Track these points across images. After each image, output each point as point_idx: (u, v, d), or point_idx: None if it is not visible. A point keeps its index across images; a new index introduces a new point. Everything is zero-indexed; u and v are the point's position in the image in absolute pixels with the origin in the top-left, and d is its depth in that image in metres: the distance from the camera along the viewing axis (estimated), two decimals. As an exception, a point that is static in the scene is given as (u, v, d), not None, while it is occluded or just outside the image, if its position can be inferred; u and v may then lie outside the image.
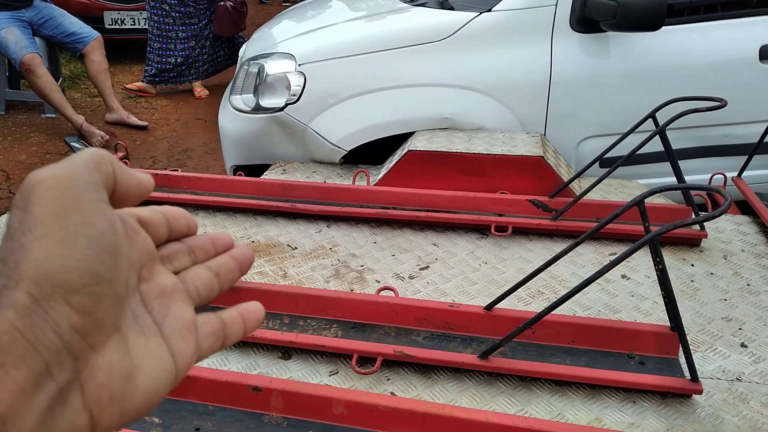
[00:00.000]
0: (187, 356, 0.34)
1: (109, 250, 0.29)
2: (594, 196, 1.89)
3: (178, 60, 4.78)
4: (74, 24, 4.06)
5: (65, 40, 4.04)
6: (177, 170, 2.14)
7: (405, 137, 2.19)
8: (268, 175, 2.26)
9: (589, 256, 1.62)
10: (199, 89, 5.09)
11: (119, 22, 5.73)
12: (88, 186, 0.30)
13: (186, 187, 2.01)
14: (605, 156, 1.80)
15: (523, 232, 1.71)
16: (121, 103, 4.41)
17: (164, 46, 4.73)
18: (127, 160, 2.26)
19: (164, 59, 4.78)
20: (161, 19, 4.65)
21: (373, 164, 2.34)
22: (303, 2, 3.29)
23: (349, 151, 2.24)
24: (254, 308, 0.40)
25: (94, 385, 0.29)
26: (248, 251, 0.42)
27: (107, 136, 3.96)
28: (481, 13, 2.11)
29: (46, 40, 4.10)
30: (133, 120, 4.30)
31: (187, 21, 4.68)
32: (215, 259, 0.40)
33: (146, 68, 4.88)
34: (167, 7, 4.60)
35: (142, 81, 4.99)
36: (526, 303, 1.42)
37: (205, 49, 4.86)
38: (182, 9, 4.62)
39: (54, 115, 4.24)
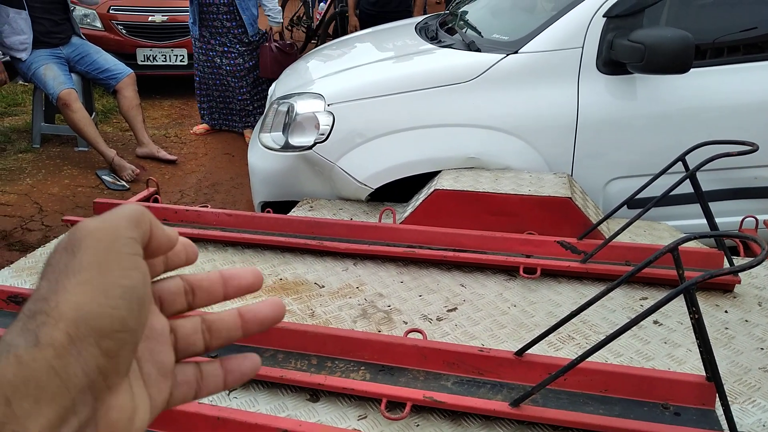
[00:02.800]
0: (158, 402, 0.36)
1: (138, 302, 0.32)
2: (623, 238, 1.87)
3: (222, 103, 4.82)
4: (108, 60, 4.20)
5: (100, 76, 4.17)
6: (207, 206, 2.17)
7: (431, 176, 2.20)
8: (295, 212, 2.28)
9: (620, 301, 1.60)
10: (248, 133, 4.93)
11: (151, 58, 5.90)
12: (128, 241, 0.33)
13: (215, 223, 2.04)
14: (635, 198, 1.79)
15: (551, 274, 1.70)
16: (150, 138, 4.51)
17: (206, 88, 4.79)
18: (158, 195, 2.31)
19: (210, 102, 4.84)
20: (206, 59, 4.67)
21: (399, 202, 2.36)
22: (330, 42, 3.37)
23: (376, 189, 2.26)
24: (243, 364, 0.40)
25: (106, 423, 0.31)
26: (264, 308, 0.40)
27: (137, 170, 4.05)
28: (508, 54, 2.14)
29: (81, 76, 4.24)
30: (163, 154, 4.39)
31: (232, 62, 4.64)
32: (215, 314, 0.40)
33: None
34: (212, 49, 4.62)
35: (203, 121, 5.03)
36: (557, 348, 1.40)
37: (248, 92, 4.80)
38: (225, 49, 4.59)
39: (86, 149, 4.35)
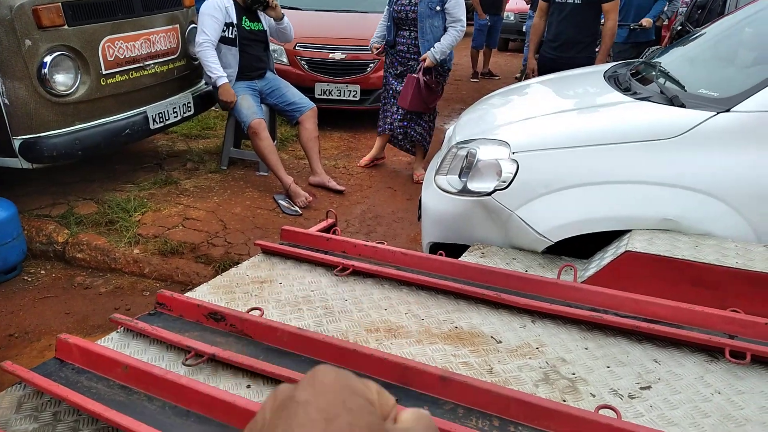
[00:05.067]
0: None
1: None
2: None
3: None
4: (295, 95, 4.54)
5: (286, 108, 4.51)
6: (383, 243, 2.23)
7: (616, 235, 2.08)
8: (466, 258, 2.27)
9: None
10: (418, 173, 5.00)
11: (327, 93, 6.29)
12: None
13: (391, 260, 2.09)
14: None
15: (763, 361, 1.51)
16: (323, 167, 4.78)
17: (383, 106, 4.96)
18: (336, 228, 2.42)
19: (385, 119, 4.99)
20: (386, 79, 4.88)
21: (577, 258, 2.25)
22: (510, 87, 3.35)
23: (554, 243, 2.18)
24: None
25: None
26: None
27: (310, 198, 4.30)
28: (718, 113, 1.97)
29: (270, 107, 4.62)
30: (333, 184, 4.63)
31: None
32: None
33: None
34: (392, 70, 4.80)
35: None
36: (777, 453, 1.23)
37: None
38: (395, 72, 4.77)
39: (266, 174, 4.71)
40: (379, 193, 4.80)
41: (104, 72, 3.76)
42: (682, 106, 2.08)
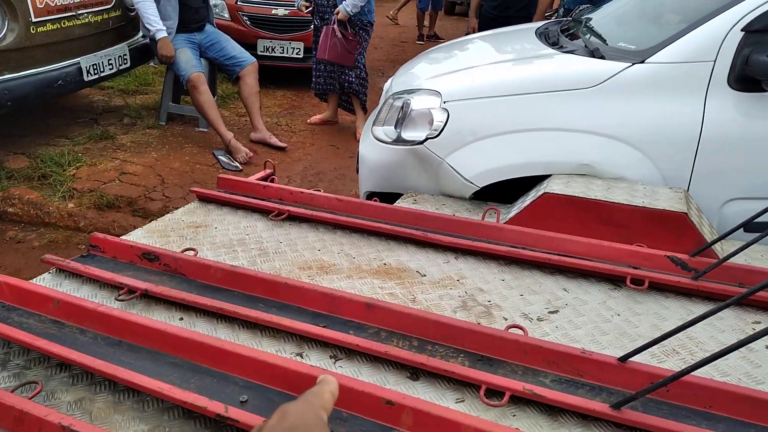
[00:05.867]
0: None
1: None
2: (738, 260, 1.80)
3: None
4: (235, 48, 4.48)
5: (226, 62, 4.45)
6: (320, 191, 2.29)
7: (538, 180, 2.20)
8: (400, 204, 2.36)
9: (731, 322, 1.54)
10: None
11: (270, 49, 6.21)
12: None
13: (326, 206, 2.15)
14: (754, 221, 1.71)
15: (659, 288, 1.66)
16: (264, 125, 4.76)
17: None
18: (274, 177, 2.46)
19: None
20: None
21: (502, 203, 2.37)
22: (448, 42, 3.42)
23: (481, 189, 2.28)
24: None
25: None
26: None
27: (251, 153, 4.29)
28: (633, 64, 2.10)
29: (209, 61, 4.55)
30: (274, 141, 4.62)
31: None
32: None
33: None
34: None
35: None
36: (660, 360, 1.37)
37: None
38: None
39: (206, 130, 4.66)
40: (322, 150, 4.83)
41: (34, 20, 3.62)
42: (602, 58, 2.20)
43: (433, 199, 2.41)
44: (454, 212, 2.28)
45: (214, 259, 1.82)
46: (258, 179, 2.38)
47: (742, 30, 1.98)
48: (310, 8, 4.81)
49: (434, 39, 9.74)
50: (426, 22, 9.44)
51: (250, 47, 5.94)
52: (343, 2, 4.53)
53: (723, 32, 2.00)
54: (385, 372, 1.31)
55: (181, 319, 1.51)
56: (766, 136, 2.02)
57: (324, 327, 1.42)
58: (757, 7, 1.98)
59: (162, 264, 1.71)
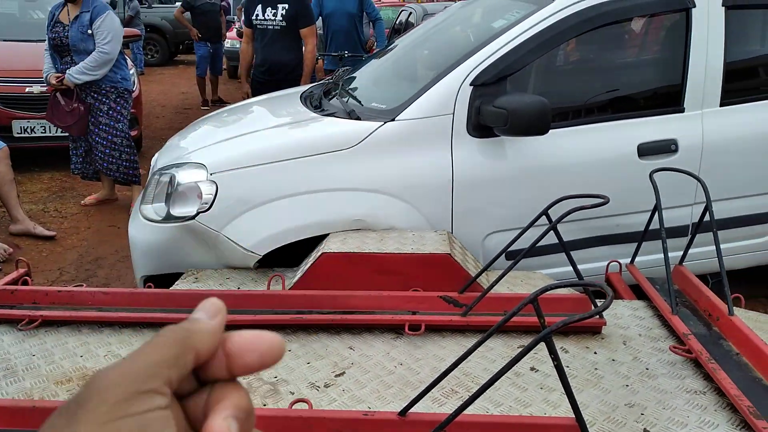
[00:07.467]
0: None
1: None
2: (501, 288, 1.97)
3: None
4: (-23, 135, 3.95)
5: (-34, 152, 3.90)
6: (82, 285, 2.06)
7: (320, 240, 2.22)
8: (179, 285, 2.21)
9: (500, 351, 1.67)
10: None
11: (29, 130, 5.62)
12: (140, 397, 0.29)
13: (91, 303, 1.93)
14: (509, 249, 1.90)
15: (436, 329, 1.75)
16: (27, 213, 4.23)
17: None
18: (28, 277, 2.16)
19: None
20: None
21: (290, 266, 2.35)
22: (217, 111, 3.38)
23: (264, 256, 2.24)
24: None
25: None
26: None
27: (11, 250, 3.77)
28: (385, 122, 2.24)
29: (-54, 152, 3.94)
30: (40, 230, 4.13)
31: None
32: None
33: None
34: None
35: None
36: (441, 404, 1.43)
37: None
38: None
39: (-50, 229, 4.01)
40: (100, 233, 4.42)
41: None
42: (358, 118, 2.33)
43: (217, 274, 2.30)
44: (239, 285, 2.20)
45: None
46: (6, 283, 2.07)
47: (470, 84, 2.23)
48: (61, 76, 4.38)
49: (219, 103, 9.63)
50: (207, 87, 9.31)
51: (5, 129, 5.35)
52: (69, 70, 4.29)
53: (456, 87, 2.23)
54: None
55: None
56: (506, 174, 2.28)
57: None
58: (479, 63, 2.25)
59: None
